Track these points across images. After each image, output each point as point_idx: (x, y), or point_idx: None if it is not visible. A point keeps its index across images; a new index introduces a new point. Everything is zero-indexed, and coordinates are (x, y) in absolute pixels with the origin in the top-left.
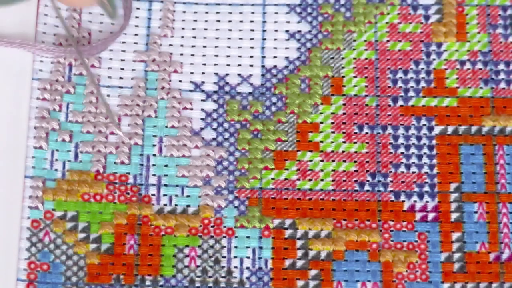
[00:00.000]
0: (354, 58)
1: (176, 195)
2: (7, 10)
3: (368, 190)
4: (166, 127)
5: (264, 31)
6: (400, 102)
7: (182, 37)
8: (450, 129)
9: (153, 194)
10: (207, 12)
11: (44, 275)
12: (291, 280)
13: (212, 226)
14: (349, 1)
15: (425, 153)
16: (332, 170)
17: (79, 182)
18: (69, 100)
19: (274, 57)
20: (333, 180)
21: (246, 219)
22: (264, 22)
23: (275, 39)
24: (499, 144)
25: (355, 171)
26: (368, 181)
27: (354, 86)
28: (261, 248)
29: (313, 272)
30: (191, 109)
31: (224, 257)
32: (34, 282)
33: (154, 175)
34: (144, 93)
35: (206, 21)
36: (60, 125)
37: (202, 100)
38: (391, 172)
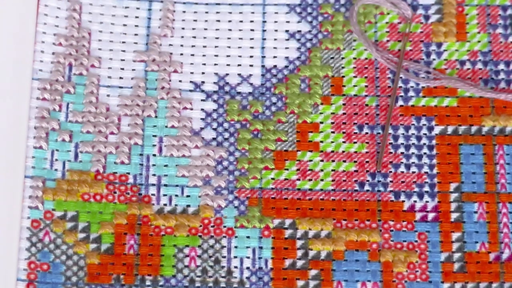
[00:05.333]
0: (354, 58)
1: (176, 195)
2: (7, 11)
3: (368, 190)
4: (166, 127)
5: (264, 31)
6: (400, 102)
7: (182, 37)
8: (450, 129)
9: (153, 194)
10: (207, 12)
11: (44, 275)
12: (291, 280)
13: (212, 226)
14: (349, 1)
15: (425, 153)
16: (332, 170)
17: (79, 182)
18: (69, 100)
19: (274, 57)
20: (333, 180)
21: (246, 219)
22: (264, 22)
23: (275, 39)
24: (499, 144)
25: (355, 171)
26: (368, 181)
27: (354, 86)
28: (261, 248)
29: (313, 272)
30: (191, 109)
31: (224, 257)
32: (34, 282)
33: (154, 175)
34: (144, 93)
35: (206, 21)
36: (60, 125)
37: (202, 100)
38: (391, 172)
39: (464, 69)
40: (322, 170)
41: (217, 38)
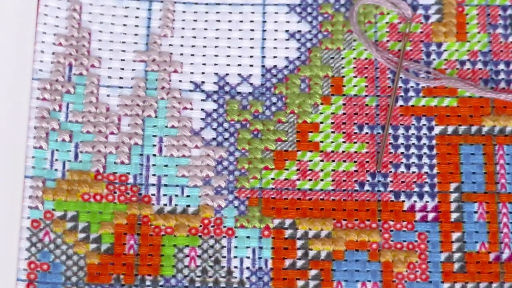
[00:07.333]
0: (354, 58)
1: (176, 195)
2: (7, 11)
3: (368, 190)
4: (166, 127)
5: (264, 31)
6: (400, 102)
7: (182, 37)
8: (450, 129)
9: (153, 194)
10: (207, 12)
11: (44, 275)
12: (291, 280)
13: (212, 226)
14: (349, 1)
15: (425, 153)
16: (332, 170)
17: (79, 182)
18: (69, 100)
19: (274, 57)
20: (333, 180)
21: (246, 219)
22: (264, 22)
23: (275, 39)
24: (499, 144)
25: (355, 171)
26: (368, 181)
27: (354, 86)
28: (261, 248)
29: (313, 272)
30: (191, 109)
31: (224, 257)
32: (34, 282)
33: (154, 175)
34: (144, 93)
35: (206, 21)
36: (60, 125)
37: (202, 100)
38: (391, 172)
39: (464, 69)
40: (322, 170)
41: (217, 38)
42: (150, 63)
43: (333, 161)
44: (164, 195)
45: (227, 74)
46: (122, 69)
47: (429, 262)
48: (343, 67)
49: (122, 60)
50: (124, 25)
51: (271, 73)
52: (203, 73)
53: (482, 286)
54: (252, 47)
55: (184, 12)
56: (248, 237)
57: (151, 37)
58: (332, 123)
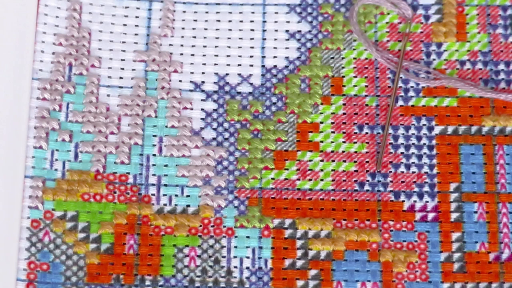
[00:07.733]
0: (354, 58)
1: (176, 195)
2: (7, 11)
3: (368, 190)
4: (166, 127)
5: (264, 31)
6: (400, 102)
7: (182, 37)
8: (450, 129)
9: (153, 194)
10: (207, 12)
11: (44, 275)
12: (291, 280)
13: (212, 226)
14: (349, 1)
15: (425, 153)
16: (332, 170)
17: (79, 182)
18: (69, 100)
19: (274, 57)
20: (333, 180)
21: (246, 219)
22: (264, 22)
23: (275, 39)
24: (499, 144)
25: (355, 171)
26: (368, 181)
27: (354, 86)
28: (261, 248)
29: (313, 272)
30: (191, 109)
31: (224, 257)
32: (34, 282)
33: (154, 175)
34: (144, 93)
35: (206, 21)
36: (60, 125)
37: (202, 100)
38: (391, 172)
39: (464, 69)
40: (322, 170)
41: (217, 38)
42: (150, 63)
43: (333, 161)
44: (164, 195)
45: (227, 74)
46: (122, 69)
47: (429, 262)
48: (343, 67)
49: (122, 60)
50: (124, 25)
51: (271, 73)
52: (203, 73)
53: (482, 286)
54: (252, 47)
55: (184, 12)
56: (248, 237)
57: (151, 37)
58: (332, 123)
